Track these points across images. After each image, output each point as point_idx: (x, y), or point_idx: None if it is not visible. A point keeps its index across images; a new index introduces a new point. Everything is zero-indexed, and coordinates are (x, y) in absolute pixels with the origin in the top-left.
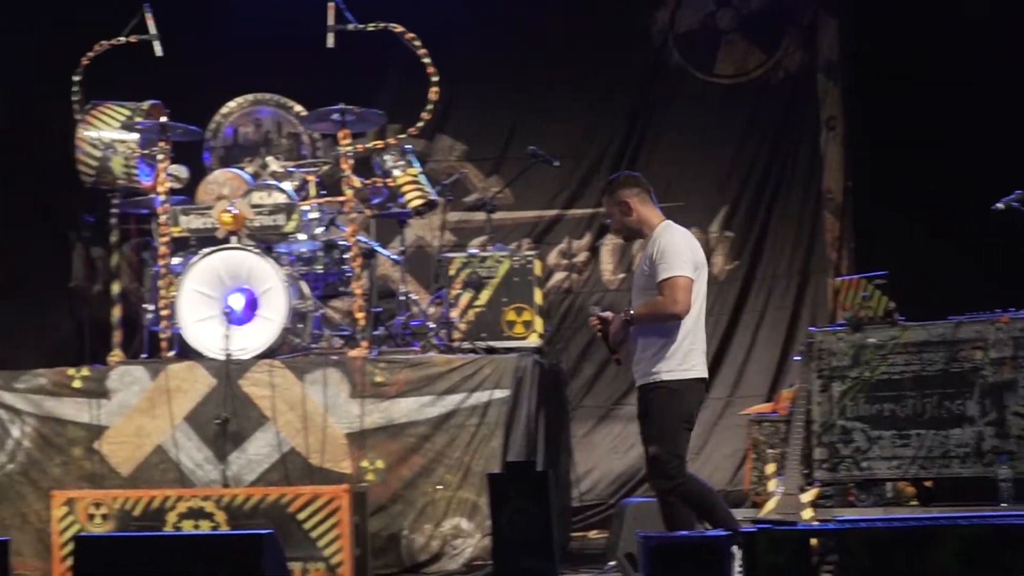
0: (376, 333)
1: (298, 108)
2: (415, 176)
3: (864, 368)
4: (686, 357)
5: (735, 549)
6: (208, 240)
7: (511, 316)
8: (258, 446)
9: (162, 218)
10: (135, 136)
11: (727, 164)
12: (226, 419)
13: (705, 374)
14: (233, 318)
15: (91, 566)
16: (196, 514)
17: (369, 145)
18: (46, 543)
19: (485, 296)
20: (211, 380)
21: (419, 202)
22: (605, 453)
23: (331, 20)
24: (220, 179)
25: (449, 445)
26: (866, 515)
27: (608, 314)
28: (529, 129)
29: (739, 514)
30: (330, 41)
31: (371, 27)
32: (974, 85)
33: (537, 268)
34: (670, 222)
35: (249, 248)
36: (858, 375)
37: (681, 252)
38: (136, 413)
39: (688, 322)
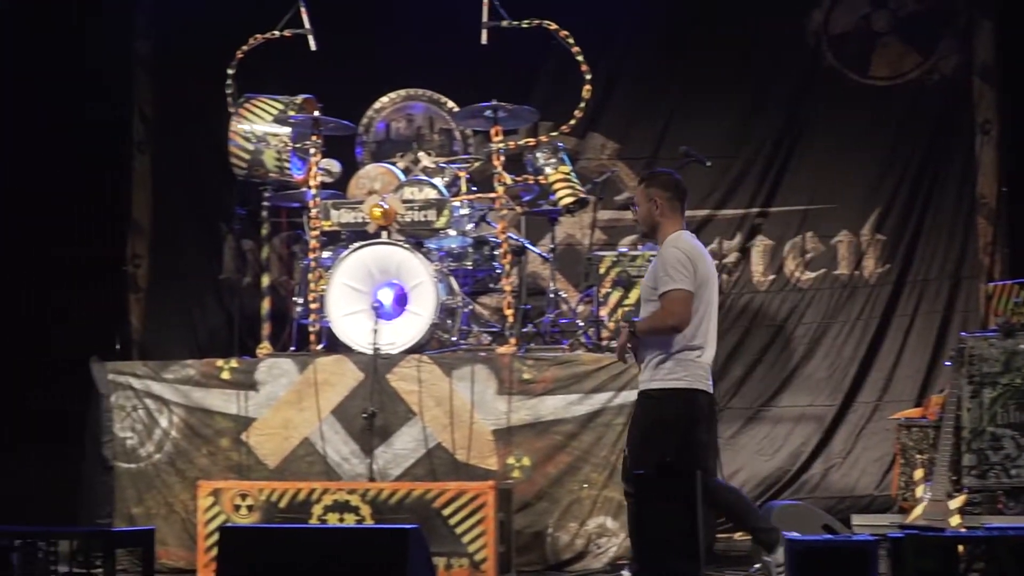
0: (525, 330)
1: (451, 104)
2: (566, 174)
3: (1015, 375)
4: (675, 368)
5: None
6: (358, 234)
7: None
8: (404, 441)
9: (313, 212)
10: (288, 130)
11: (880, 167)
12: (373, 413)
13: (700, 385)
14: (382, 313)
15: (235, 557)
16: (341, 507)
17: (521, 142)
18: (191, 533)
19: (634, 295)
20: (359, 374)
21: (570, 200)
22: (752, 455)
23: (485, 16)
24: (371, 174)
25: (595, 444)
26: (1015, 523)
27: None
28: (681, 128)
29: (886, 519)
30: (484, 37)
31: (525, 24)
32: None
33: None
34: (683, 232)
35: (399, 243)
36: (1009, 381)
37: (683, 265)
38: (283, 405)
39: (687, 334)
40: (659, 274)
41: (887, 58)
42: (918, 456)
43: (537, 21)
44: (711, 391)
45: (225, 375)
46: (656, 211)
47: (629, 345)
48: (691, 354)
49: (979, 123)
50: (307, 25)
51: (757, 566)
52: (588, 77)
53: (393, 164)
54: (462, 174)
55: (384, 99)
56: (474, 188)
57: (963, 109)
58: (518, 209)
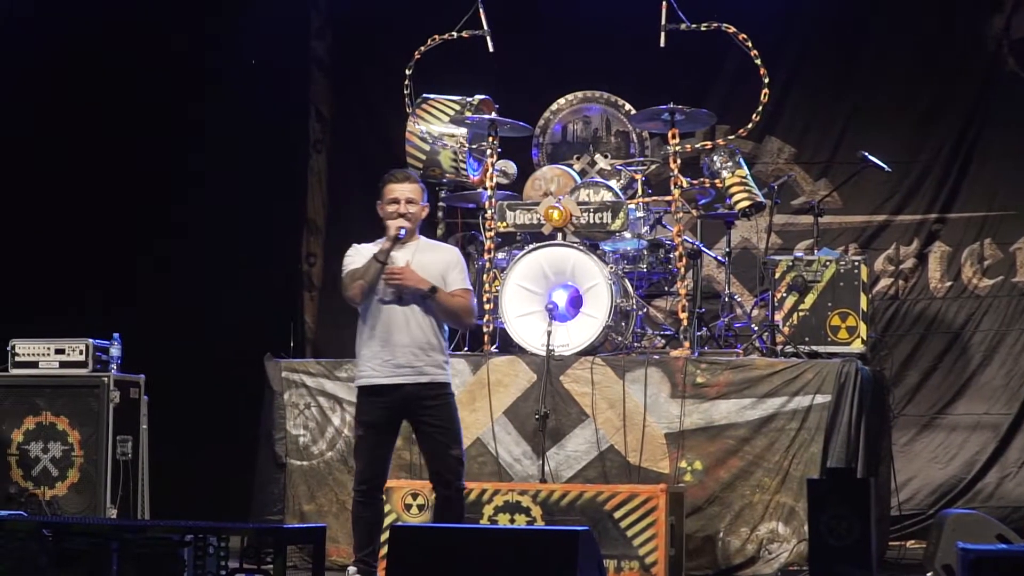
0: (699, 334)
1: (628, 107)
2: (743, 178)
3: None
4: None
5: None
6: (534, 236)
7: (835, 321)
8: (577, 443)
9: (489, 213)
10: (464, 130)
11: None
12: (546, 414)
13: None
14: (556, 314)
15: (406, 555)
16: (512, 508)
17: (698, 145)
18: None
19: (810, 300)
20: (532, 375)
21: (746, 204)
22: (926, 462)
23: (664, 19)
24: (547, 175)
25: (768, 449)
26: None
27: None
28: (859, 133)
29: None
30: (662, 40)
31: (703, 27)
32: None
33: (863, 273)
34: None
35: (574, 245)
36: None
37: None
38: (457, 405)
39: None
40: None
41: None
42: None
43: (715, 24)
44: None
45: None
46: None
47: None
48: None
49: None
50: (485, 26)
51: (929, 574)
52: (766, 81)
53: (569, 166)
54: (638, 177)
55: (561, 101)
56: (650, 191)
57: None
58: (694, 212)
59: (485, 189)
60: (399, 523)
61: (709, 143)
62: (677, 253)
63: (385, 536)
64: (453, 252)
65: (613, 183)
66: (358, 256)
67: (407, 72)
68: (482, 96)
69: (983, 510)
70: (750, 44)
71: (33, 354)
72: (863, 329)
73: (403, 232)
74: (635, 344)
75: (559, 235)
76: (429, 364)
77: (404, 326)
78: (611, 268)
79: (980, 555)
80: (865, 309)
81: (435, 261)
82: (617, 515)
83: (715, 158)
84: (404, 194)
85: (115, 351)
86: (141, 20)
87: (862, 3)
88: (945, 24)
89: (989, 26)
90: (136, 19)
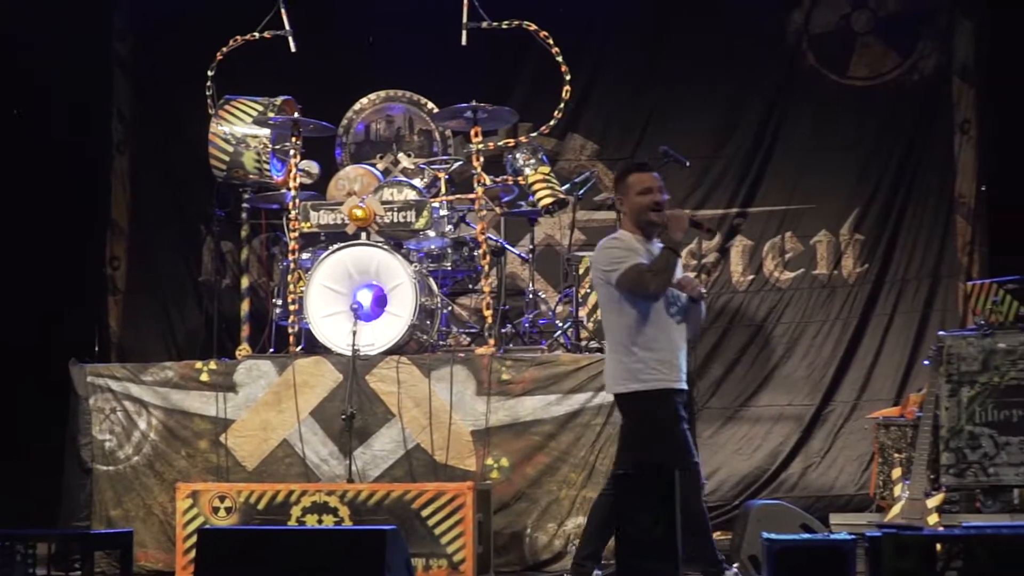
0: (504, 331)
1: (430, 105)
2: (546, 175)
3: (993, 373)
4: None
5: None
6: (338, 236)
7: None
8: (383, 442)
9: (292, 213)
10: (267, 131)
11: (859, 167)
12: (352, 415)
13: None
14: (361, 314)
15: (214, 559)
16: (320, 509)
17: (500, 143)
18: (170, 535)
19: None
20: (338, 375)
21: (549, 201)
22: (730, 454)
23: (465, 17)
24: (351, 175)
25: (574, 444)
26: (992, 521)
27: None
28: (661, 129)
29: (864, 518)
30: (464, 38)
31: (505, 25)
32: None
33: None
34: None
35: (378, 244)
36: (987, 380)
37: None
38: (262, 407)
39: None
40: None
41: (867, 58)
42: (896, 455)
43: (517, 22)
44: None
45: (204, 377)
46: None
47: None
48: None
49: (958, 123)
50: (287, 26)
51: (735, 565)
52: (568, 78)
53: (373, 165)
54: (441, 175)
55: (364, 100)
56: (453, 189)
57: (942, 109)
58: (497, 210)
59: (289, 190)
60: (207, 526)
61: (512, 141)
62: (481, 251)
63: (192, 541)
64: None
65: (417, 182)
66: (632, 252)
67: (209, 73)
68: (285, 97)
69: (787, 500)
70: (551, 42)
71: None
72: None
73: (697, 221)
74: (440, 342)
75: (363, 235)
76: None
77: (681, 330)
78: (415, 267)
79: (785, 545)
80: None
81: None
82: (424, 513)
83: (518, 155)
84: (656, 182)
85: None
86: None
87: (664, 1)
88: (745, 20)
89: (788, 21)
90: None
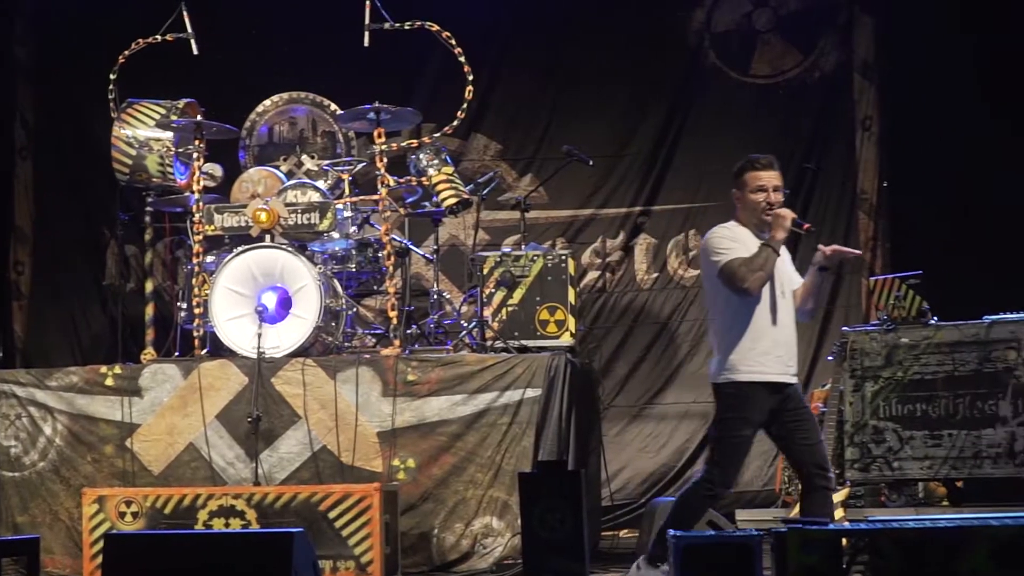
0: (409, 332)
1: (333, 107)
2: (449, 175)
3: (897, 368)
4: None
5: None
6: (242, 238)
7: (544, 315)
8: (289, 444)
9: (196, 216)
10: (170, 134)
11: None
12: (258, 417)
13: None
14: (266, 316)
15: (121, 564)
16: (227, 512)
17: (404, 144)
18: (76, 541)
19: (518, 295)
20: (243, 378)
21: (453, 201)
22: (636, 452)
23: (368, 19)
24: (255, 177)
25: (480, 444)
26: (897, 515)
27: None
28: (564, 128)
29: (770, 514)
30: (367, 40)
31: (407, 26)
32: (1009, 84)
33: (570, 267)
34: None
35: (283, 246)
36: (891, 375)
37: None
38: (168, 411)
39: None
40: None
41: (768, 56)
42: None
43: (419, 23)
44: None
45: (109, 382)
46: None
47: None
48: None
49: (860, 119)
50: (189, 29)
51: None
52: (470, 78)
53: (276, 167)
54: (345, 176)
55: (267, 102)
56: (357, 190)
57: (844, 106)
58: (401, 211)
59: (192, 193)
60: (113, 531)
61: (415, 141)
62: (386, 252)
63: (99, 546)
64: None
65: (320, 183)
66: (737, 243)
67: (112, 77)
68: (187, 99)
69: None
70: (454, 42)
71: None
72: (571, 322)
73: (799, 221)
74: (346, 344)
75: (267, 237)
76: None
77: (788, 322)
78: (320, 268)
79: (691, 542)
80: (573, 303)
81: (785, 256)
82: (332, 515)
83: (421, 156)
84: (771, 182)
85: None
86: None
87: (567, 1)
88: (647, 19)
89: (690, 20)
90: None
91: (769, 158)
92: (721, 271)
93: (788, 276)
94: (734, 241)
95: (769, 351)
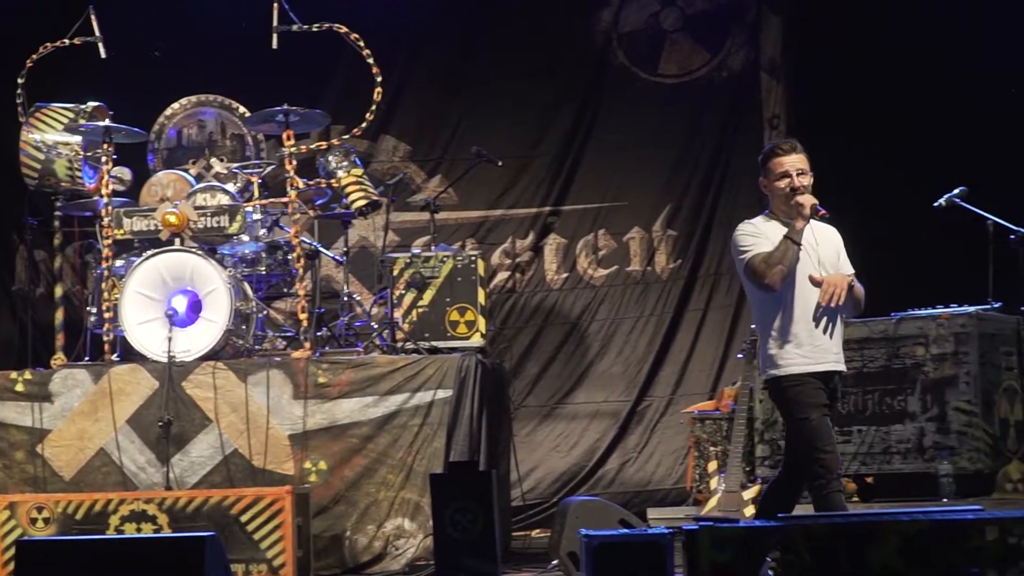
0: (319, 334)
1: (242, 109)
2: (359, 177)
3: None
4: None
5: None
6: (151, 242)
7: (454, 316)
8: (201, 448)
9: (105, 220)
10: (78, 138)
11: (671, 163)
12: (169, 421)
13: None
14: (176, 320)
15: (33, 571)
16: (138, 517)
17: (313, 146)
18: None
19: (428, 296)
20: (154, 382)
21: (362, 203)
22: (548, 451)
23: (276, 21)
24: (163, 181)
25: (392, 445)
26: (808, 511)
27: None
28: (473, 129)
29: (681, 512)
30: (274, 42)
31: (315, 28)
32: (920, 81)
33: (480, 268)
34: None
35: (192, 250)
36: None
37: None
38: (79, 416)
39: None
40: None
41: (676, 56)
42: (712, 448)
43: (328, 25)
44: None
45: (19, 387)
46: None
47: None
48: None
49: (767, 118)
50: (97, 32)
51: (554, 562)
52: (379, 80)
53: (185, 171)
54: (254, 179)
55: (175, 105)
56: (266, 193)
57: (751, 104)
58: (311, 213)
59: (101, 196)
60: (25, 538)
61: (324, 143)
62: (295, 254)
63: (10, 554)
64: (837, 232)
65: (230, 186)
66: (761, 238)
67: (19, 81)
68: (96, 103)
69: (605, 496)
70: (362, 44)
71: None
72: (482, 323)
73: (820, 208)
74: (256, 347)
75: (177, 240)
76: (841, 352)
77: (824, 312)
78: (230, 272)
79: (603, 541)
80: (483, 303)
81: (831, 239)
82: (244, 519)
83: (330, 158)
84: (795, 166)
85: None
86: None
87: (474, 1)
88: (555, 19)
89: (598, 20)
90: None
91: (792, 142)
92: (745, 270)
93: (831, 263)
94: (756, 236)
95: (804, 342)
